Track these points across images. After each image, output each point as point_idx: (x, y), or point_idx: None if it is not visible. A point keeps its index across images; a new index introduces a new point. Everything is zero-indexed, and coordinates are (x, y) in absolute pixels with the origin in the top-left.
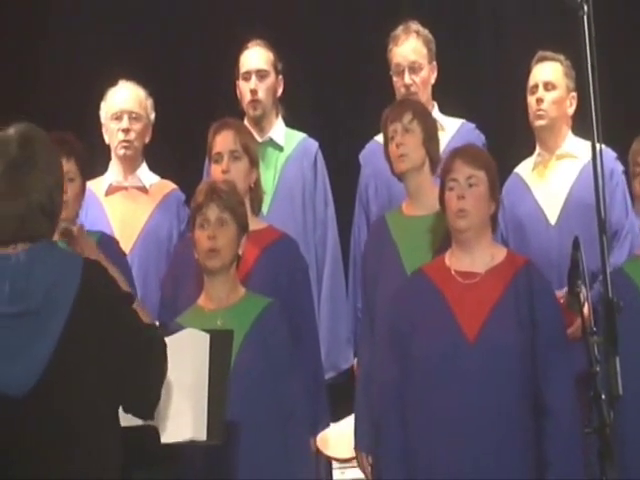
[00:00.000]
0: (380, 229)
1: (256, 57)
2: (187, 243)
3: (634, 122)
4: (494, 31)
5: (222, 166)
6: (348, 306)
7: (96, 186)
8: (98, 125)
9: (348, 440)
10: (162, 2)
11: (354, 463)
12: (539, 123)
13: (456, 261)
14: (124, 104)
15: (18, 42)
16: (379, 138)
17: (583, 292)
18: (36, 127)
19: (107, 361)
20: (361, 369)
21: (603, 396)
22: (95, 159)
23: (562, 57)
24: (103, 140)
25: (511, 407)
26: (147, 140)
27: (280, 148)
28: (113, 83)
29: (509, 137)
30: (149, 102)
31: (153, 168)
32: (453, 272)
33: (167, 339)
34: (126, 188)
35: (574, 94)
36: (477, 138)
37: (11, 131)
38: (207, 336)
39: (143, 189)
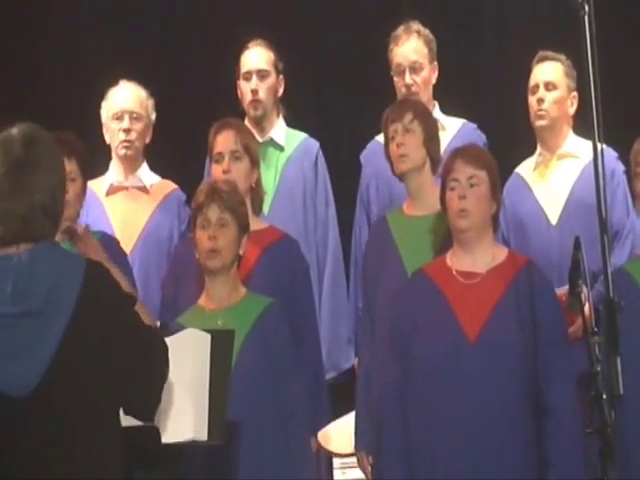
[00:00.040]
0: (381, 229)
1: (257, 57)
2: (188, 243)
3: (635, 122)
4: (495, 31)
5: (223, 166)
6: (349, 306)
7: (97, 186)
8: (99, 125)
9: (349, 435)
10: (162, 2)
11: (355, 459)
12: (540, 123)
13: (457, 261)
14: (125, 104)
15: (18, 42)
16: (380, 138)
17: (584, 292)
18: (39, 127)
19: (109, 362)
20: (362, 369)
21: (604, 396)
22: (96, 159)
23: (563, 57)
24: (104, 140)
25: (512, 407)
26: (148, 140)
27: (281, 148)
28: (114, 83)
29: (510, 137)
30: (150, 102)
31: (154, 168)
32: (454, 272)
33: (168, 339)
34: (127, 188)
35: (575, 94)
36: (478, 138)
37: (14, 131)
38: (208, 336)
39: (144, 189)
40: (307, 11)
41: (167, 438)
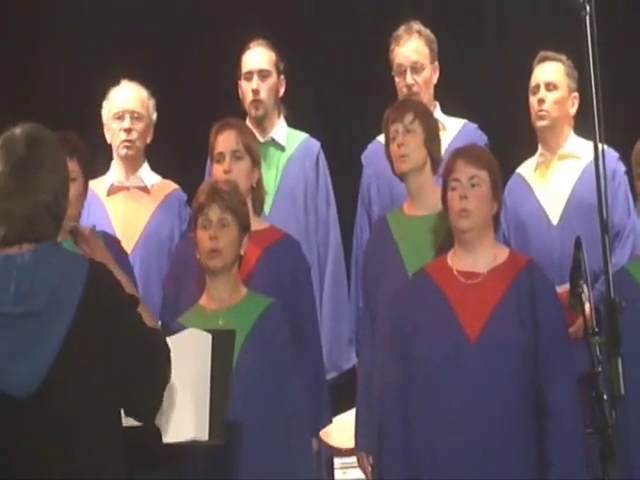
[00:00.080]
0: (381, 229)
1: (258, 57)
2: (189, 243)
3: (636, 122)
4: (496, 31)
5: (224, 166)
6: (350, 306)
7: (98, 186)
8: (99, 125)
9: (350, 430)
10: (162, 2)
11: (355, 459)
12: (541, 123)
13: (458, 261)
14: (126, 104)
15: (18, 42)
16: (381, 138)
17: (585, 292)
18: (43, 127)
19: (111, 363)
20: (362, 369)
21: (605, 396)
22: (97, 159)
23: (564, 57)
24: (104, 140)
25: (513, 407)
26: (149, 140)
27: (282, 148)
28: (115, 83)
29: (511, 137)
30: (151, 102)
31: (155, 168)
32: (455, 272)
33: (169, 339)
34: (128, 188)
35: (576, 94)
36: (479, 138)
37: (18, 131)
38: (209, 336)
39: (145, 189)
40: (307, 11)
41: (168, 438)
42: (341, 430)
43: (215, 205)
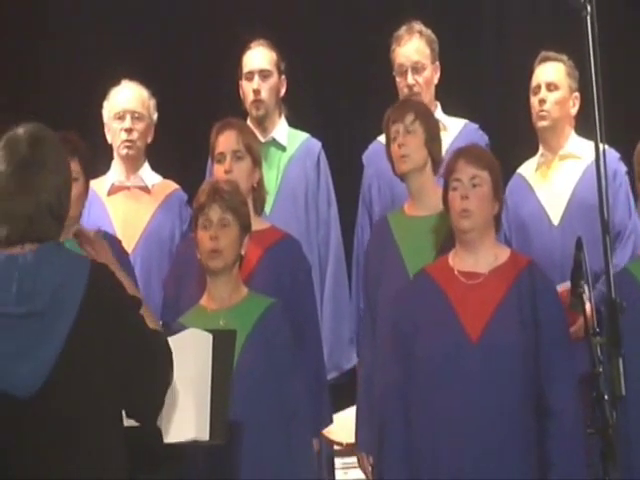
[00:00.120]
0: (382, 230)
1: (259, 57)
2: (189, 243)
3: (637, 122)
4: (497, 31)
5: (225, 166)
6: (351, 306)
7: (98, 186)
8: (100, 125)
9: (351, 426)
10: (162, 2)
11: (356, 459)
12: (542, 124)
13: (459, 261)
14: (127, 104)
15: (18, 42)
16: (382, 138)
17: (586, 292)
18: (45, 127)
19: (113, 363)
20: (363, 369)
21: (606, 396)
22: (97, 159)
23: (565, 57)
24: (105, 140)
25: (514, 407)
26: (149, 140)
27: (283, 148)
28: (116, 83)
29: (512, 137)
30: (152, 102)
31: (155, 168)
32: (456, 272)
33: (170, 339)
34: (128, 188)
35: (577, 94)
36: (480, 138)
37: (20, 131)
38: (210, 336)
39: (145, 189)
40: (307, 11)
41: (169, 438)
42: (342, 425)
43: (216, 205)
